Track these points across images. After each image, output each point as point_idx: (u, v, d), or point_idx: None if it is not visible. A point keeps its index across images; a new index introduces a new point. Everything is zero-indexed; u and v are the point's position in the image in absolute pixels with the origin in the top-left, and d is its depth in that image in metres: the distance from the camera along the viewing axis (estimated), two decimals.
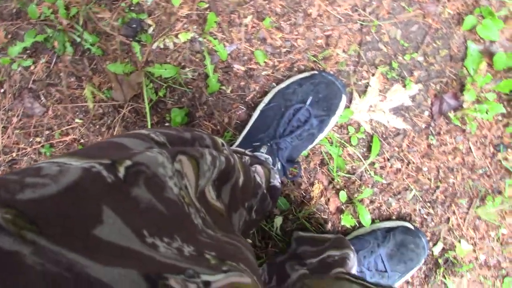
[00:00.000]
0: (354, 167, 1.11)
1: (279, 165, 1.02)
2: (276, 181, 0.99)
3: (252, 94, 1.09)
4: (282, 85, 1.07)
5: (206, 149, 0.62)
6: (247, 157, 0.92)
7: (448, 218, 1.12)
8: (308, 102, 1.03)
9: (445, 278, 1.11)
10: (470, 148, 1.11)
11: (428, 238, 1.11)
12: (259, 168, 0.94)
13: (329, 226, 1.11)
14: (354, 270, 0.95)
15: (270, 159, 1.00)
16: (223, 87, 1.09)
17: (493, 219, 1.10)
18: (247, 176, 0.78)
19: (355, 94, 1.10)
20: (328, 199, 1.11)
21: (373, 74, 1.10)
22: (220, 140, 0.74)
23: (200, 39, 1.09)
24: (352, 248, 0.98)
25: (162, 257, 0.42)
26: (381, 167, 1.11)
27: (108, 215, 0.39)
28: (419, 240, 1.07)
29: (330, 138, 1.09)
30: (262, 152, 1.00)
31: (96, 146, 0.51)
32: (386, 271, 1.05)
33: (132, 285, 0.36)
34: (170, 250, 0.44)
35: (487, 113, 1.06)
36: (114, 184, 0.42)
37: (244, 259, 0.52)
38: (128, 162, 0.45)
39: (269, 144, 1.01)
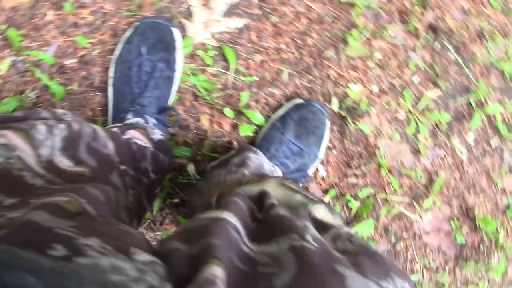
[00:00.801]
0: (223, 82, 1.15)
1: (153, 120, 1.05)
2: (157, 134, 1.02)
3: (98, 77, 1.11)
4: (116, 52, 1.09)
5: (40, 120, 0.65)
6: (115, 129, 0.94)
7: (327, 74, 1.18)
8: (144, 51, 1.05)
9: (356, 124, 1.18)
10: (308, 5, 1.15)
11: (322, 100, 1.17)
12: (133, 132, 0.97)
13: (235, 144, 1.16)
14: (266, 168, 0.99)
15: (140, 119, 1.03)
16: (70, 87, 1.10)
17: (362, 51, 1.17)
18: (117, 142, 0.81)
19: (184, 21, 1.13)
20: (219, 123, 1.16)
21: None
22: (61, 111, 0.77)
23: (19, 58, 1.09)
24: (252, 149, 1.03)
25: None
26: (246, 68, 1.15)
27: None
28: (313, 107, 1.13)
29: (187, 71, 1.12)
30: (129, 119, 1.02)
31: None
32: (302, 149, 1.10)
33: None
34: None
35: None
36: None
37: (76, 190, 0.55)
38: None
39: (133, 109, 1.03)
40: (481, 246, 1.30)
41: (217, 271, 0.41)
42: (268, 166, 0.98)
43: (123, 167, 0.79)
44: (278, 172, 1.04)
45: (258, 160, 0.97)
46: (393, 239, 1.26)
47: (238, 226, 0.53)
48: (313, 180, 1.20)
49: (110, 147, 0.77)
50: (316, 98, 1.17)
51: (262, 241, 0.53)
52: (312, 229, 0.55)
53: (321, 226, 0.64)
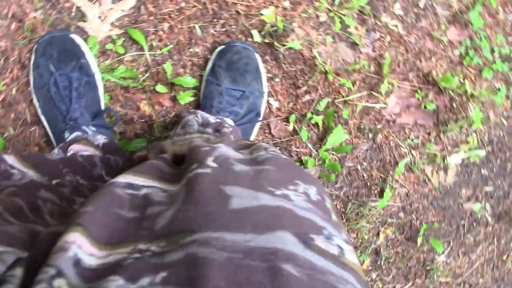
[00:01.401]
0: (144, 64, 1.16)
1: (91, 128, 1.07)
2: (101, 139, 1.04)
3: (27, 112, 1.13)
4: (31, 81, 1.10)
5: None
6: (56, 150, 0.97)
7: (237, 11, 1.18)
8: (53, 68, 1.06)
9: (285, 45, 1.19)
10: None
11: (243, 37, 1.18)
12: (75, 146, 0.99)
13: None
14: (212, 122, 1.01)
15: (79, 132, 1.04)
16: (6, 134, 1.12)
17: None
18: (50, 161, 0.85)
19: (81, 24, 1.13)
20: (159, 102, 1.17)
21: None
22: None
23: None
24: (189, 111, 1.05)
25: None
26: (159, 40, 1.16)
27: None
28: (235, 47, 1.13)
29: (106, 68, 1.13)
30: (68, 136, 1.04)
31: None
32: (243, 91, 1.12)
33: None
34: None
35: None
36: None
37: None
38: None
39: (67, 126, 1.05)
40: (453, 104, 1.32)
41: (72, 237, 0.43)
42: (214, 120, 1.00)
43: (55, 181, 0.81)
44: (229, 121, 1.06)
45: (200, 118, 0.99)
46: (370, 135, 1.28)
47: (138, 182, 0.54)
48: (270, 115, 1.21)
49: (29, 174, 0.80)
50: (237, 38, 1.17)
51: (175, 182, 0.55)
52: (220, 150, 0.57)
53: (246, 145, 0.66)
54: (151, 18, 1.15)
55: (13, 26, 1.12)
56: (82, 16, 1.13)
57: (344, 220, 1.32)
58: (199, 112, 1.01)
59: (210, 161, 0.53)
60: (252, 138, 1.16)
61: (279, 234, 0.40)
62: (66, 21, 1.12)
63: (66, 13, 1.12)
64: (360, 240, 1.35)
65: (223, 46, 1.13)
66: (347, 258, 0.43)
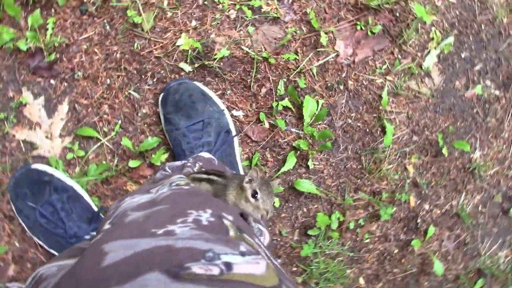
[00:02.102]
0: (107, 151, 1.19)
1: (91, 234, 1.10)
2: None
3: (38, 256, 1.16)
4: (22, 224, 1.14)
5: None
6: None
7: (156, 57, 1.20)
8: (32, 204, 1.11)
9: (215, 59, 1.21)
10: None
11: (174, 76, 1.20)
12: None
13: None
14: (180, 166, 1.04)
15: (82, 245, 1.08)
16: None
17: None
18: None
19: (34, 152, 1.17)
20: (140, 175, 1.19)
21: None
22: None
23: None
24: (160, 168, 1.08)
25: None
26: (108, 123, 1.19)
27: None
28: (171, 88, 1.18)
29: (78, 175, 1.16)
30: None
31: None
32: (201, 121, 1.15)
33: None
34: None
35: None
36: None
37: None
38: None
39: (72, 246, 1.09)
40: (396, 14, 1.32)
41: None
42: (180, 163, 1.02)
43: None
44: (204, 155, 1.07)
45: (168, 170, 1.01)
46: (340, 87, 1.29)
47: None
48: (243, 125, 1.23)
49: None
50: (170, 79, 1.20)
51: None
52: (124, 205, 0.65)
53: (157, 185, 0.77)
54: (89, 109, 1.19)
55: None
56: (32, 146, 1.18)
57: (377, 173, 1.30)
58: (166, 165, 1.04)
59: (106, 225, 0.60)
60: (237, 154, 1.18)
61: (144, 277, 0.43)
62: (21, 158, 1.17)
63: (17, 152, 1.17)
64: (393, 184, 1.33)
65: (162, 94, 1.15)
66: (233, 273, 0.46)
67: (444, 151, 1.34)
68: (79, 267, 0.48)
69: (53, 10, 1.16)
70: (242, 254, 0.50)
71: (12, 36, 1.14)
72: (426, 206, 1.39)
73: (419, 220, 1.38)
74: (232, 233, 0.55)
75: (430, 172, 1.38)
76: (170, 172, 0.98)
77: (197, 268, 0.45)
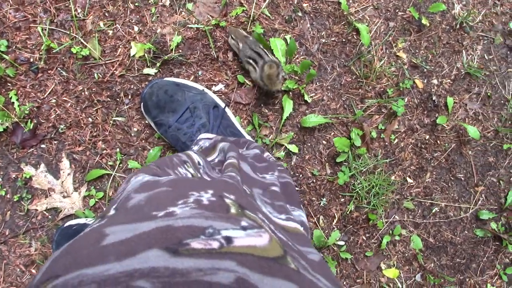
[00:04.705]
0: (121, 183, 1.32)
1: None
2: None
3: None
4: None
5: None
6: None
7: (120, 76, 1.32)
8: None
9: (172, 50, 1.32)
10: None
11: (143, 83, 1.32)
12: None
13: None
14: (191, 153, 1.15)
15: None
16: None
17: None
18: None
19: (61, 216, 1.31)
20: None
21: None
22: None
23: None
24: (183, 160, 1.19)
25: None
26: (109, 157, 1.32)
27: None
28: (146, 95, 1.30)
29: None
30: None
31: None
32: (187, 108, 1.26)
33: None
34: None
35: None
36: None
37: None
38: None
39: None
40: None
41: None
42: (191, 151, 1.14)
43: None
44: (205, 136, 1.19)
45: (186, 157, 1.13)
46: (298, 13, 1.37)
47: None
48: (230, 96, 1.34)
49: None
50: (141, 88, 1.32)
51: None
52: (128, 187, 0.72)
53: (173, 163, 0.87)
54: (87, 153, 1.33)
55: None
56: (56, 211, 1.32)
57: (373, 75, 1.44)
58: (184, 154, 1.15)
59: (111, 210, 0.65)
60: (236, 123, 1.29)
61: (142, 255, 0.47)
62: (52, 225, 1.31)
63: (46, 222, 1.31)
64: (393, 77, 1.43)
65: (141, 104, 1.28)
66: (233, 245, 0.50)
67: (424, 21, 1.43)
68: (76, 244, 0.52)
69: (9, 84, 1.29)
70: (244, 228, 0.53)
71: None
72: (435, 81, 1.48)
73: (434, 97, 1.47)
74: (233, 210, 0.58)
75: (422, 48, 1.47)
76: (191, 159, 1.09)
77: (196, 244, 0.48)
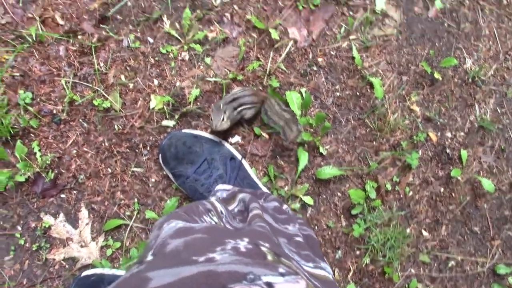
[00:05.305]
0: (138, 232, 1.36)
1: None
2: None
3: None
4: None
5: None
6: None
7: (139, 128, 1.38)
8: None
9: (190, 102, 1.38)
10: None
11: (163, 135, 1.38)
12: None
13: None
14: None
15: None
16: None
17: None
18: None
19: (78, 266, 1.35)
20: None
21: None
22: None
23: None
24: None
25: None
26: (127, 207, 1.37)
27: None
28: (165, 146, 1.36)
29: (125, 262, 1.33)
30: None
31: None
32: (205, 159, 1.31)
33: None
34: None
35: None
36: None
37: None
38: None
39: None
40: None
41: None
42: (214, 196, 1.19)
43: None
44: (222, 187, 1.24)
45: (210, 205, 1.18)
46: (313, 67, 1.44)
47: None
48: (245, 147, 1.40)
49: None
50: (161, 139, 1.37)
51: None
52: (163, 232, 0.76)
53: (203, 210, 0.93)
54: (106, 203, 1.38)
55: None
56: (73, 260, 1.36)
57: (387, 128, 1.49)
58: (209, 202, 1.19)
59: (149, 256, 0.69)
60: (253, 175, 1.34)
61: None
62: (69, 275, 1.35)
63: (63, 272, 1.36)
64: (406, 130, 1.48)
65: (159, 155, 1.33)
66: None
67: (437, 75, 1.49)
68: (121, 286, 0.56)
69: (32, 135, 1.36)
70: (282, 274, 0.57)
71: (8, 175, 1.33)
72: (448, 134, 1.53)
73: (448, 150, 1.52)
74: (270, 257, 0.63)
75: (435, 102, 1.53)
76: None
77: None
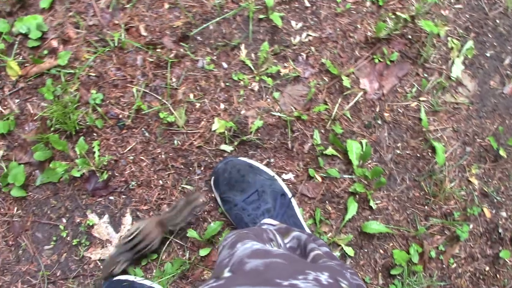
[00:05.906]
0: (181, 253, 1.39)
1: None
2: None
3: None
4: None
5: None
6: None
7: (198, 147, 1.43)
8: None
9: (251, 132, 1.42)
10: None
11: (218, 159, 1.42)
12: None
13: None
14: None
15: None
16: None
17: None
18: None
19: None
20: (212, 263, 1.38)
21: None
22: None
23: None
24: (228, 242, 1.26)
25: None
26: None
27: None
28: (219, 170, 1.39)
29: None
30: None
31: None
32: (255, 191, 1.34)
33: None
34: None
35: None
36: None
37: None
38: None
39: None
40: (408, 36, 1.52)
41: None
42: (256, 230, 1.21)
43: None
44: (268, 221, 1.26)
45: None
46: (378, 121, 1.46)
47: None
48: (296, 186, 1.42)
49: None
50: (216, 163, 1.42)
51: None
52: (237, 253, 0.79)
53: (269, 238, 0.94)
54: (151, 213, 1.42)
55: None
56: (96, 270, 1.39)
57: (441, 195, 1.49)
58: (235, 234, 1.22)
59: (226, 273, 0.72)
60: (299, 215, 1.36)
61: None
62: (101, 276, 1.38)
63: (96, 271, 1.39)
64: (461, 201, 1.47)
65: (212, 177, 1.37)
66: None
67: (502, 152, 1.49)
68: None
69: (95, 134, 1.42)
70: None
71: (65, 167, 1.39)
72: (503, 213, 1.51)
73: (500, 230, 1.50)
74: None
75: (495, 178, 1.52)
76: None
77: None
